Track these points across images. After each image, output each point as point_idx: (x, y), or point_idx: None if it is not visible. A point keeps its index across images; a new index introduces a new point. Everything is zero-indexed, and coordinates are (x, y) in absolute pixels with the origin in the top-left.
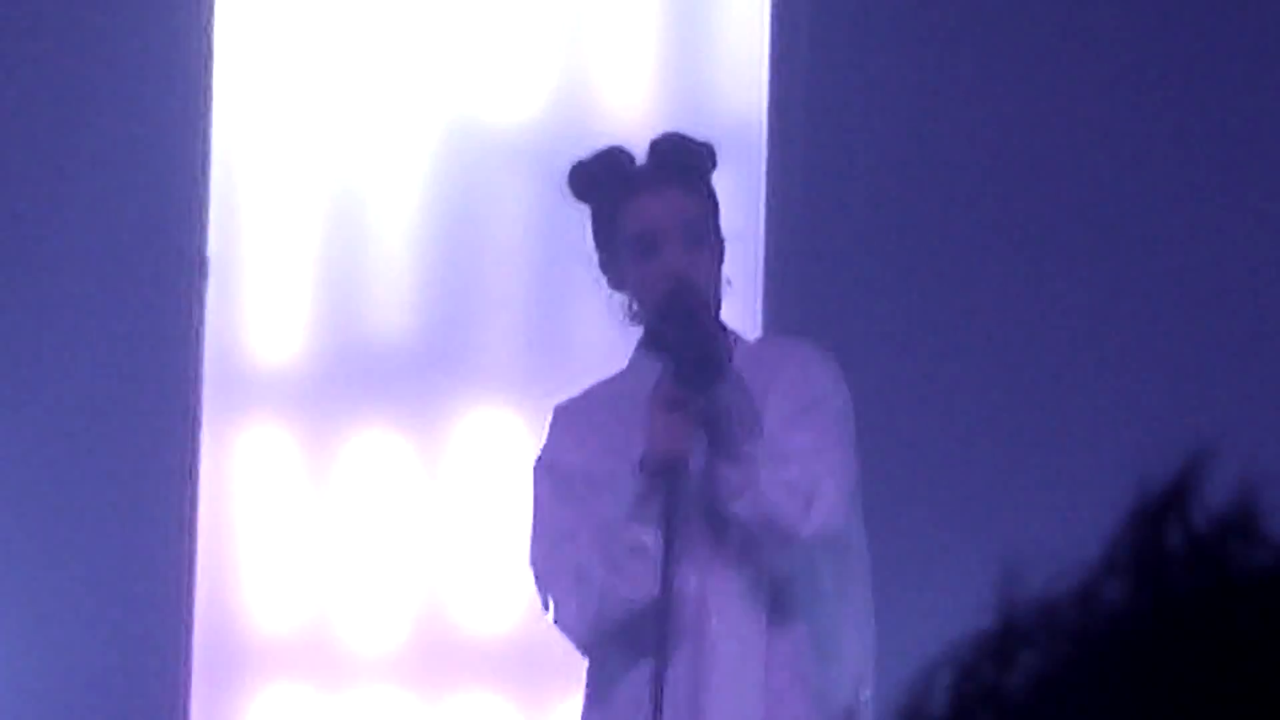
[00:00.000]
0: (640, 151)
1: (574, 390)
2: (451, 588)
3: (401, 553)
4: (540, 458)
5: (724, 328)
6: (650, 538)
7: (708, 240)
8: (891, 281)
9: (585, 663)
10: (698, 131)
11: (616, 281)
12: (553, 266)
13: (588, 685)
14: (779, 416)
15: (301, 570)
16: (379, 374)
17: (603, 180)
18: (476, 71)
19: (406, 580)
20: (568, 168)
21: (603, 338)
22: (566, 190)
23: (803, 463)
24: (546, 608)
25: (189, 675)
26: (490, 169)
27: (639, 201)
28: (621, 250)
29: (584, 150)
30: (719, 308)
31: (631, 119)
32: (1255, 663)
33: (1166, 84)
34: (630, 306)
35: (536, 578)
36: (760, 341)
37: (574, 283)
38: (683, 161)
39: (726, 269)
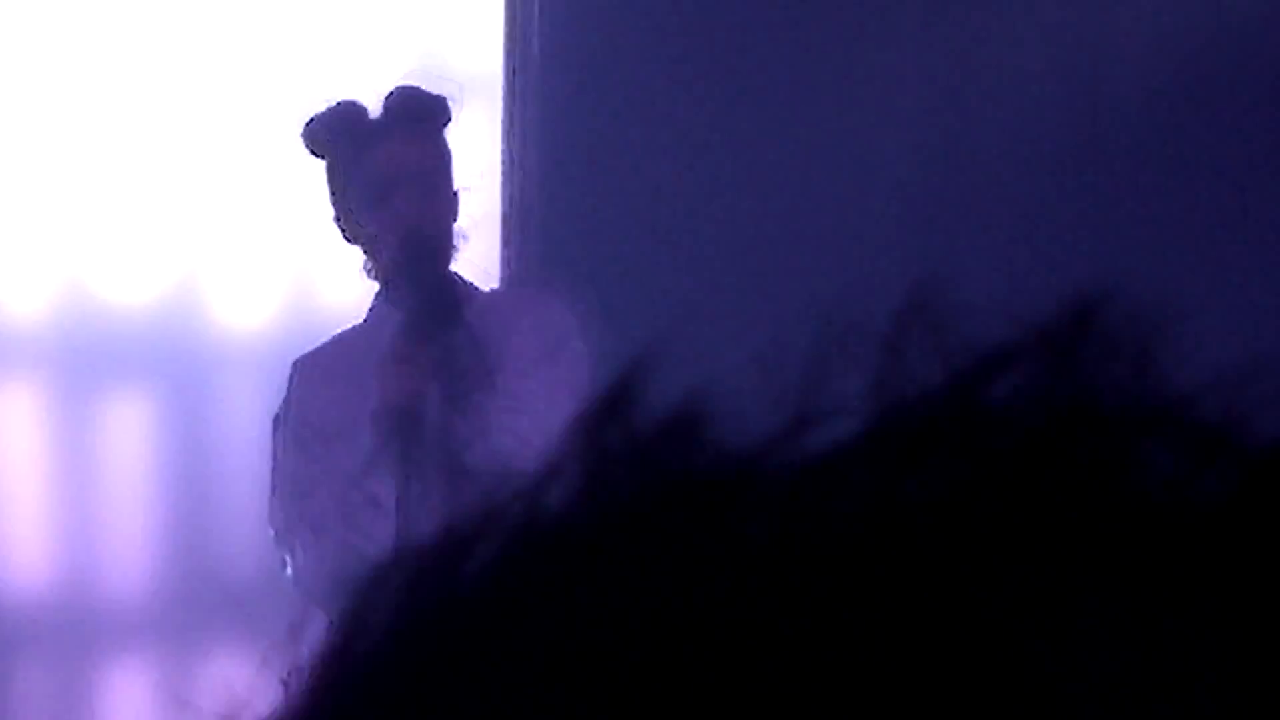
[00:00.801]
0: (374, 106)
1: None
2: (202, 543)
3: (150, 510)
4: (279, 414)
5: (458, 278)
6: (385, 490)
7: (440, 191)
8: (632, 223)
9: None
10: (436, 80)
11: (351, 235)
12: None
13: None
14: (516, 365)
15: (52, 530)
16: (124, 334)
17: (336, 133)
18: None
19: (155, 537)
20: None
21: (351, 301)
22: (301, 146)
23: (536, 412)
24: (285, 565)
25: None
26: (233, 119)
27: (371, 154)
28: (355, 202)
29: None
30: (452, 258)
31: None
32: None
33: None
34: (365, 262)
35: (275, 534)
36: (499, 291)
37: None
38: (415, 113)
39: (463, 221)
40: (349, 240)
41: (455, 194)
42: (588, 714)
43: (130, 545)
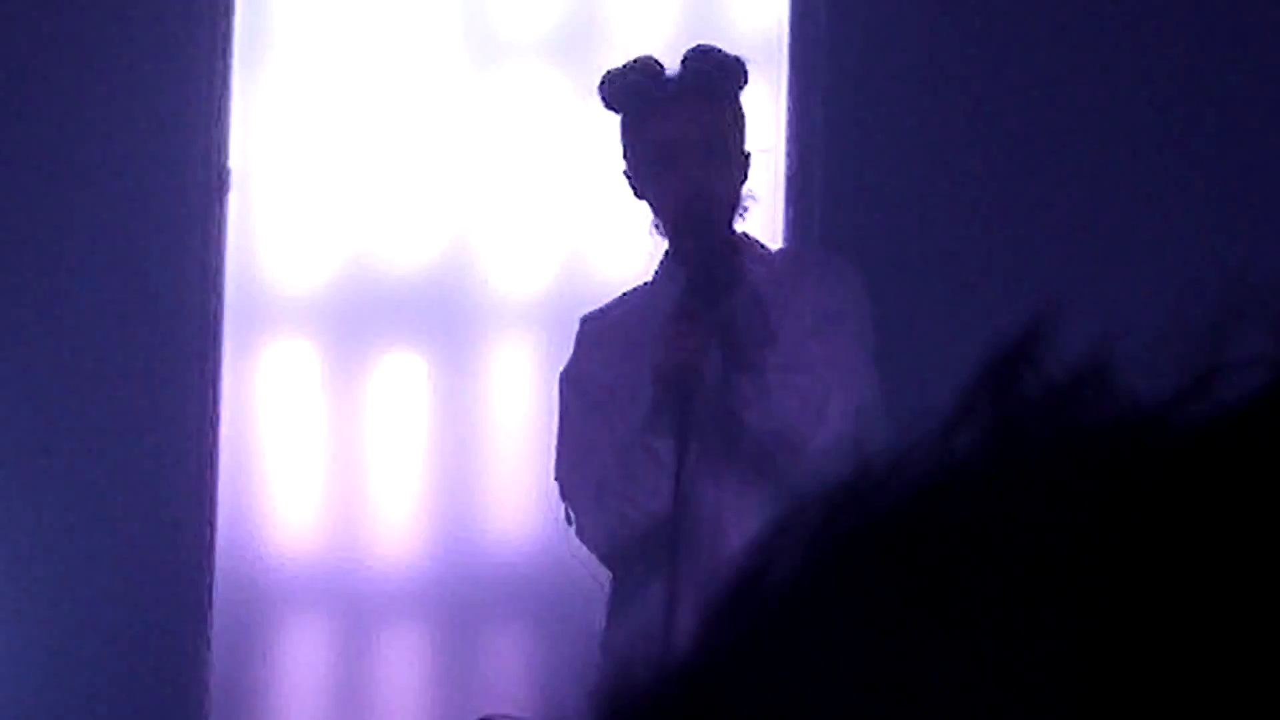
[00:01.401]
0: (672, 64)
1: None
2: (471, 513)
3: (423, 479)
4: (565, 370)
5: (745, 237)
6: (665, 448)
7: (730, 155)
8: (912, 193)
9: (608, 583)
10: (720, 44)
11: (638, 191)
12: (579, 192)
13: (610, 600)
14: (798, 327)
15: (323, 493)
16: (401, 296)
17: (631, 90)
18: None
19: (428, 508)
20: (599, 77)
21: (624, 265)
22: (597, 99)
23: (816, 373)
24: (570, 521)
25: (210, 599)
26: (512, 87)
27: (663, 113)
28: (643, 161)
29: (604, 65)
30: (737, 220)
31: (653, 32)
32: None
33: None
34: (653, 219)
35: (561, 491)
36: (785, 252)
37: (599, 207)
38: (711, 75)
39: (752, 184)
40: (636, 196)
41: (746, 156)
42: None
43: (403, 512)
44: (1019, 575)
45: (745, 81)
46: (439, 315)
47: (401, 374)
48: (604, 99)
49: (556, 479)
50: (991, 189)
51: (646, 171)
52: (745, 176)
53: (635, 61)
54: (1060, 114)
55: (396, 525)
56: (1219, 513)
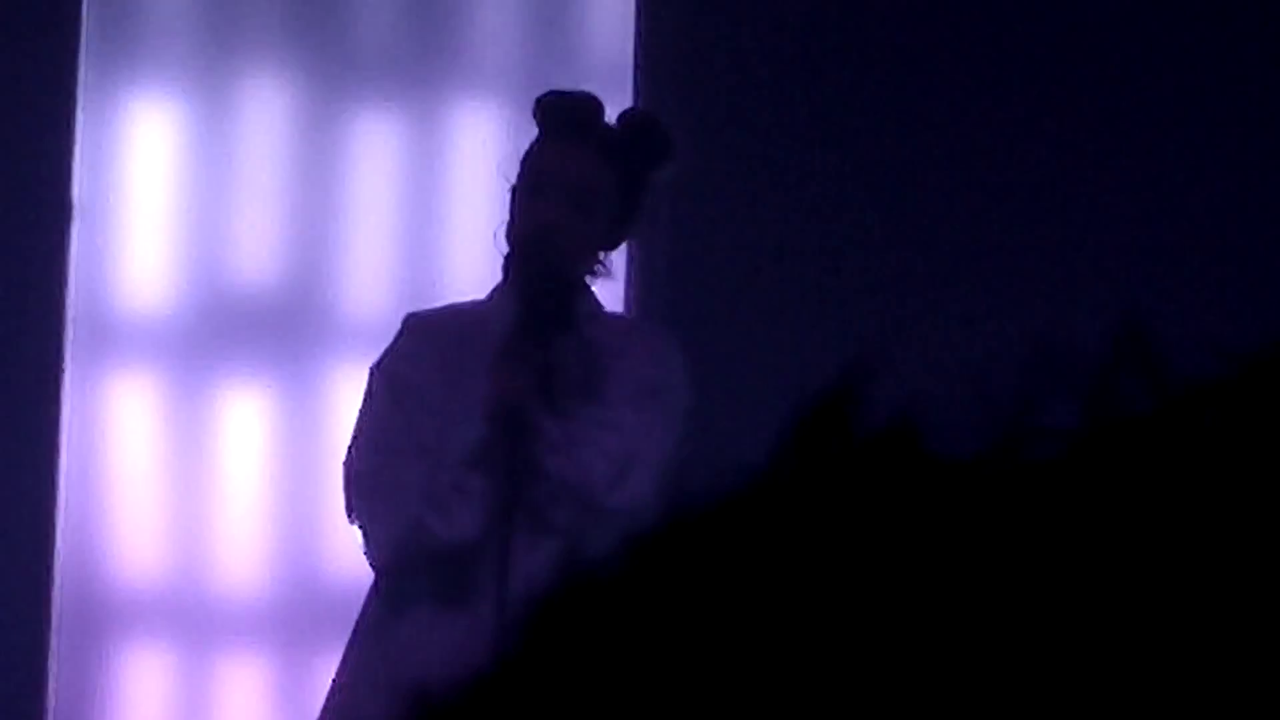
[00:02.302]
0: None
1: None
2: (317, 542)
3: (267, 506)
4: (381, 361)
5: (587, 294)
6: (478, 484)
7: (599, 214)
8: (752, 264)
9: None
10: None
11: (510, 210)
12: (421, 215)
13: (368, 606)
14: (618, 391)
15: (168, 523)
16: (247, 324)
17: (551, 114)
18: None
19: (272, 535)
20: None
21: (472, 288)
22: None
23: (626, 437)
24: (351, 511)
25: (49, 627)
26: (359, 116)
27: (555, 147)
28: (521, 185)
29: (459, 90)
30: (582, 275)
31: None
32: None
33: None
34: (504, 238)
35: (349, 480)
36: (621, 318)
37: (445, 230)
38: (627, 138)
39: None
40: (510, 212)
41: (622, 230)
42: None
43: (248, 538)
44: (807, 612)
45: (657, 159)
46: (284, 341)
47: (246, 400)
48: (534, 115)
49: (346, 466)
50: (856, 240)
51: (519, 194)
52: (609, 245)
53: (577, 93)
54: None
55: (241, 551)
56: (1021, 570)
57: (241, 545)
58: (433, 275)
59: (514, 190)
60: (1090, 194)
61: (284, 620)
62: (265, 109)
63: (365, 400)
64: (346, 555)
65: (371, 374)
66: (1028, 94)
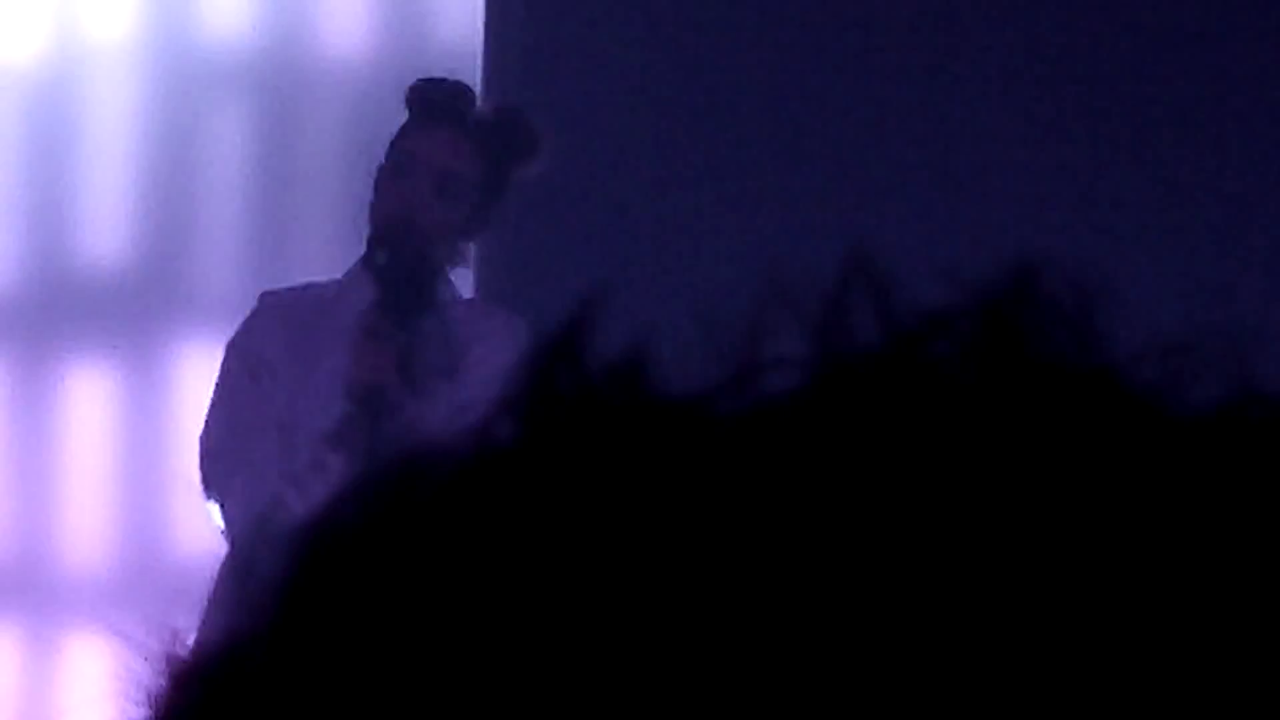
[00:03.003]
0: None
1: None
2: (164, 518)
3: (114, 483)
4: (235, 339)
5: (446, 278)
6: (336, 461)
7: (460, 198)
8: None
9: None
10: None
11: (375, 188)
12: (270, 193)
13: (220, 582)
14: (476, 373)
15: (13, 500)
16: (94, 302)
17: (421, 100)
18: None
19: (119, 512)
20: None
21: (319, 266)
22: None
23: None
24: (207, 486)
25: None
26: (205, 90)
27: (423, 131)
28: (388, 164)
29: (297, 73)
30: (442, 258)
31: (347, 44)
32: None
33: None
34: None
35: (204, 456)
36: (476, 303)
37: (294, 209)
38: (493, 128)
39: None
40: (374, 191)
41: (484, 218)
42: (529, 657)
43: (95, 516)
44: (534, 558)
45: (523, 154)
46: (131, 319)
47: (93, 378)
48: (406, 100)
49: (201, 442)
50: (643, 178)
51: (384, 176)
52: (468, 234)
53: (450, 80)
54: (720, 101)
55: (87, 528)
56: (754, 508)
57: (88, 522)
58: (281, 253)
59: (379, 171)
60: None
61: (130, 596)
62: (114, 87)
63: (220, 377)
64: (194, 530)
65: (226, 351)
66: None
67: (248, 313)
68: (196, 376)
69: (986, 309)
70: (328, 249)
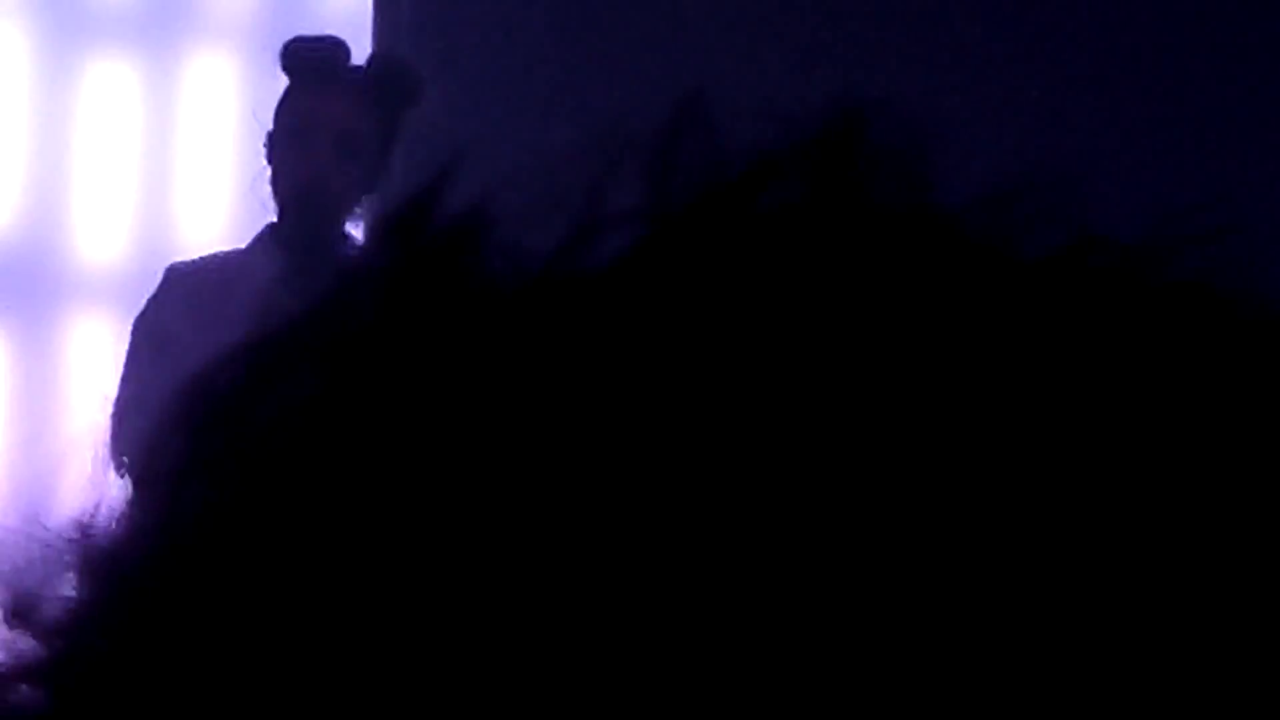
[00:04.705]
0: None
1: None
2: (50, 490)
3: (1, 454)
4: (141, 314)
5: (349, 238)
6: None
7: (360, 156)
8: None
9: None
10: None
11: (269, 158)
12: (156, 164)
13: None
14: None
15: None
16: None
17: (303, 60)
18: None
19: (5, 484)
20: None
21: (206, 236)
22: (276, 59)
23: None
24: (119, 468)
25: None
26: (94, 64)
27: (309, 93)
28: (281, 131)
29: (182, 30)
30: (346, 218)
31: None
32: None
33: None
34: (269, 186)
35: (112, 431)
36: None
37: (180, 179)
38: (380, 75)
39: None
40: (267, 160)
41: (381, 164)
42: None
43: None
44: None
45: (410, 99)
46: (18, 291)
47: None
48: (281, 63)
49: (110, 421)
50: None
51: (281, 142)
52: (369, 188)
53: (325, 38)
54: None
55: None
56: (594, 377)
57: None
58: (167, 224)
59: (270, 138)
60: None
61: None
62: (1, 57)
63: (128, 353)
64: (76, 506)
65: (134, 326)
66: None
67: (129, 284)
68: (84, 348)
69: (816, 152)
70: (212, 218)
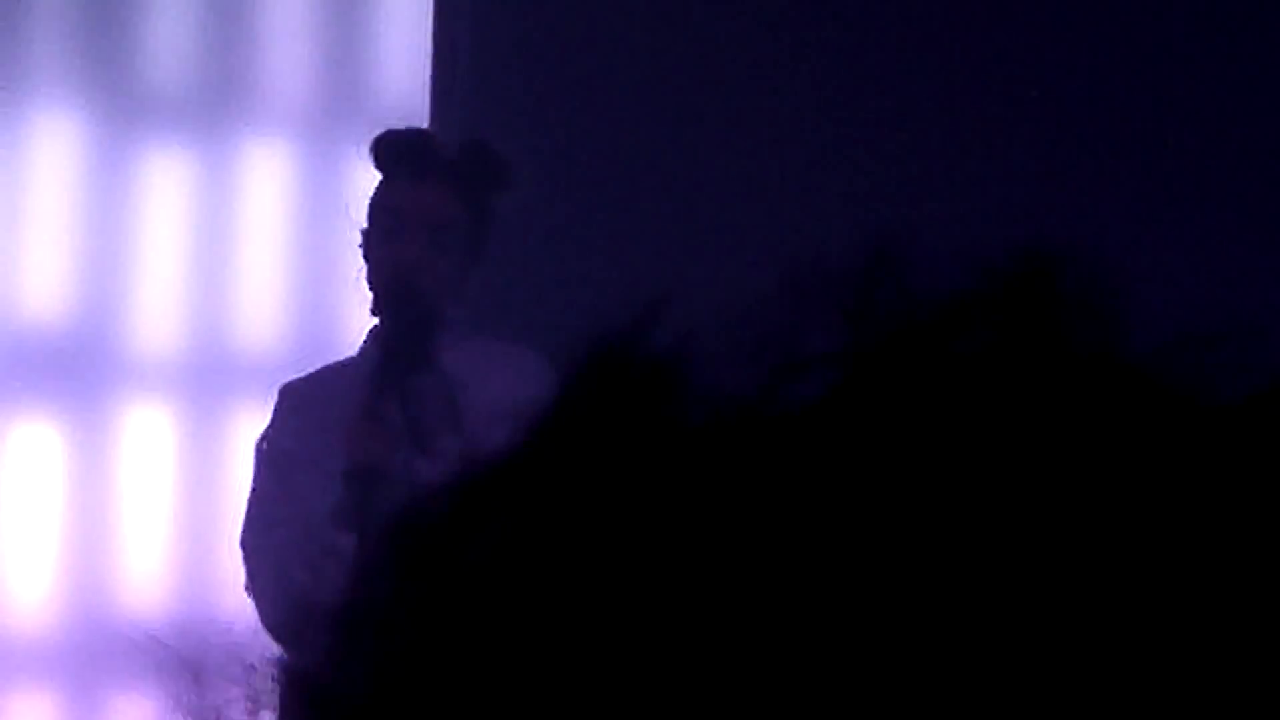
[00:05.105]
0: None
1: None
2: (108, 581)
3: (57, 545)
4: (260, 439)
5: (440, 323)
6: (347, 543)
7: (453, 245)
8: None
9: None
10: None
11: (365, 254)
12: (212, 253)
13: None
14: (487, 414)
15: None
16: (37, 362)
17: (395, 152)
18: (130, 39)
19: (63, 574)
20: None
21: (268, 331)
22: (368, 154)
23: None
24: (249, 590)
25: None
26: (150, 153)
27: (401, 185)
28: (376, 225)
29: (236, 119)
30: (444, 310)
31: (292, 88)
32: None
33: None
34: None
35: (244, 558)
36: (481, 341)
37: (236, 269)
38: (478, 165)
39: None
40: (364, 258)
41: (477, 254)
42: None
43: (37, 581)
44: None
45: (500, 184)
46: (73, 380)
47: (35, 439)
48: (373, 156)
49: (240, 545)
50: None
51: (376, 237)
52: (464, 275)
53: (413, 130)
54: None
55: (30, 590)
56: (802, 522)
57: (31, 584)
58: (223, 314)
59: (365, 234)
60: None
61: (76, 658)
62: (55, 145)
63: (253, 478)
64: (133, 596)
65: (255, 450)
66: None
67: (184, 373)
68: (139, 437)
69: (1010, 299)
70: (267, 309)
